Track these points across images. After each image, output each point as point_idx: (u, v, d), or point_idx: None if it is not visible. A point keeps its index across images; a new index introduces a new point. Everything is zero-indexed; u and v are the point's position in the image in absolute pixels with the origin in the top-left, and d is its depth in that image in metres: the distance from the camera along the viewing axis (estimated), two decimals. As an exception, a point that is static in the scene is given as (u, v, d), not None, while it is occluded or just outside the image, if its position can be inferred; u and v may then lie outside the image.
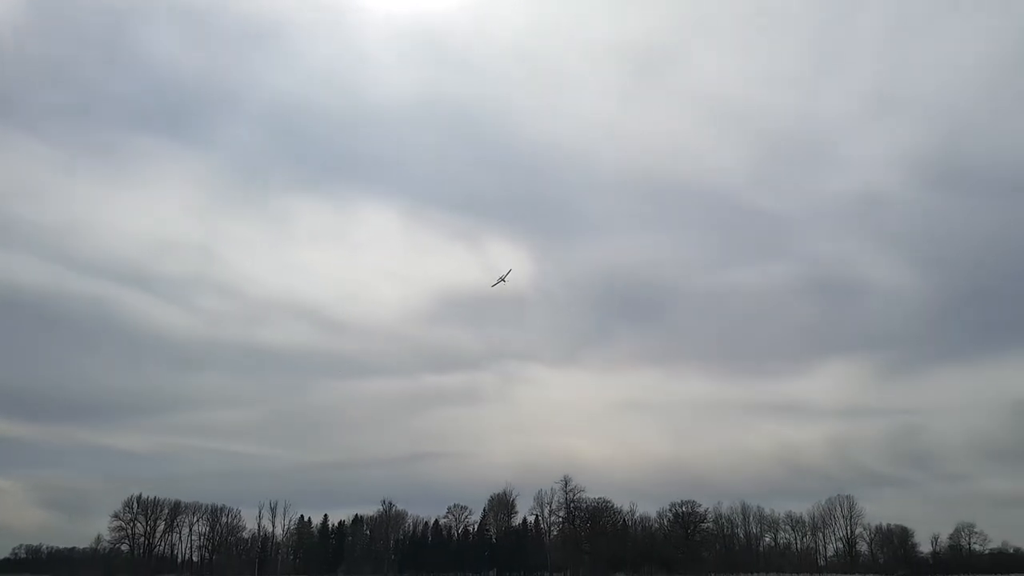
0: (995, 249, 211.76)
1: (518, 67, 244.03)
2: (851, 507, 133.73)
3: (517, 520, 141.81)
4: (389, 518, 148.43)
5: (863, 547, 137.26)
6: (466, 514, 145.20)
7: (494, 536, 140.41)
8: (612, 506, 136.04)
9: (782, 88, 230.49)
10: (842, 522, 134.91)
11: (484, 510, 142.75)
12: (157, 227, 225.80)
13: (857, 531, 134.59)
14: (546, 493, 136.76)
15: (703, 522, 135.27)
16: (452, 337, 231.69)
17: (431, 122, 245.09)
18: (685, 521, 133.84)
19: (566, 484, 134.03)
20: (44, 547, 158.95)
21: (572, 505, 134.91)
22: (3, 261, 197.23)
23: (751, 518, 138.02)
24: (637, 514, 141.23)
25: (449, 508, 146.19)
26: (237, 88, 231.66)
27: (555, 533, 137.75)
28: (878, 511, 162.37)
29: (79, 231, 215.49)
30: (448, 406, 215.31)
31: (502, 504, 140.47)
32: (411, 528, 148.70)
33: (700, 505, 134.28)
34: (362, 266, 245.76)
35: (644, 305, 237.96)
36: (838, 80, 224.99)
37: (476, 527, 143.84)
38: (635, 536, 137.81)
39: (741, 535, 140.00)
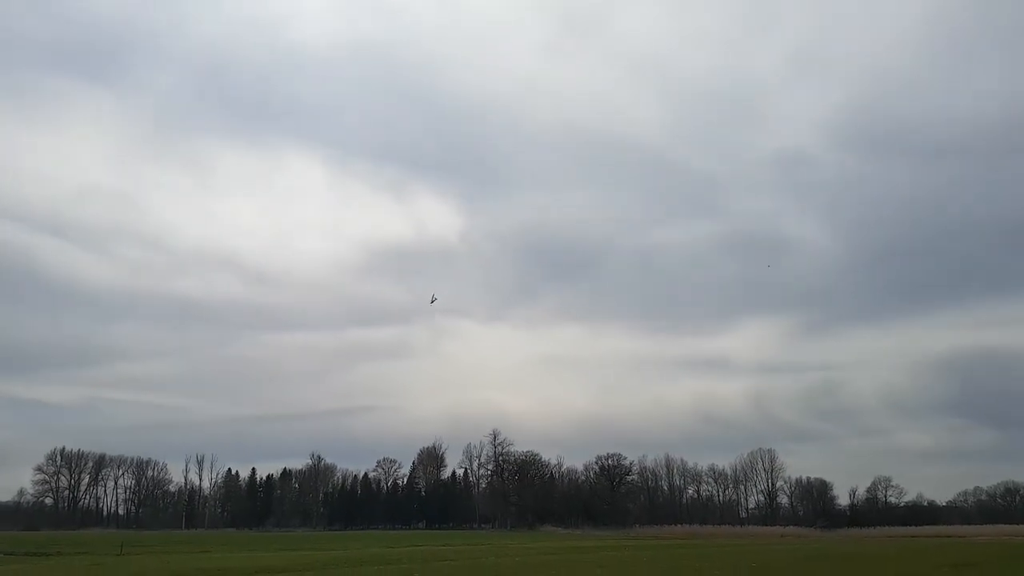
0: (912, 211, 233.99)
1: (443, 15, 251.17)
2: (772, 460, 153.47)
3: (446, 473, 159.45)
4: (318, 471, 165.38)
5: (783, 500, 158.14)
6: (395, 467, 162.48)
7: (423, 489, 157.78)
8: (540, 459, 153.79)
9: (710, 47, 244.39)
10: (763, 475, 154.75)
11: (413, 463, 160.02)
12: (76, 173, 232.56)
13: (778, 484, 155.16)
14: (475, 447, 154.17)
15: (628, 475, 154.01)
16: (380, 291, 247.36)
17: (357, 69, 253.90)
18: (611, 474, 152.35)
19: (495, 438, 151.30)
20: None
21: (500, 458, 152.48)
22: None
23: (675, 471, 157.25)
24: (564, 467, 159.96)
25: (378, 461, 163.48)
26: (159, 30, 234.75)
27: (484, 486, 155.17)
28: (798, 465, 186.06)
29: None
30: (377, 360, 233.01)
31: (431, 457, 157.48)
32: (340, 481, 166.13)
33: (625, 458, 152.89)
34: (288, 216, 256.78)
35: (570, 262, 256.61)
36: (765, 40, 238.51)
37: (405, 480, 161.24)
38: (562, 488, 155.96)
39: (665, 487, 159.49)
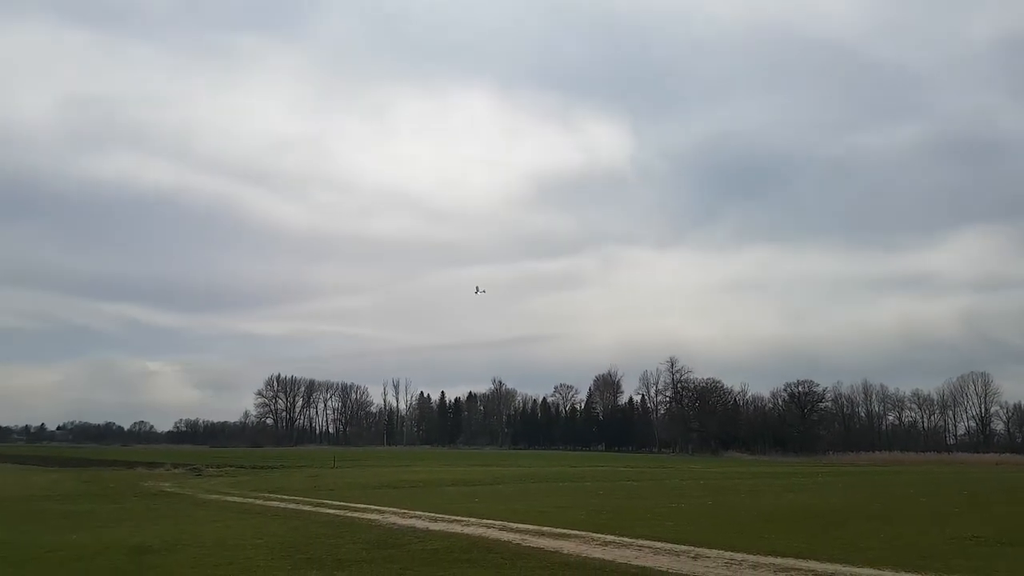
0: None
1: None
2: (986, 384, 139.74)
3: (623, 399, 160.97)
4: (500, 395, 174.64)
5: (999, 426, 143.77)
6: (572, 393, 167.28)
7: (601, 414, 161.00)
8: (722, 386, 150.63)
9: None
10: (975, 400, 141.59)
11: (590, 389, 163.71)
12: (270, 125, 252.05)
13: (992, 409, 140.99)
14: (652, 374, 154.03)
15: (821, 401, 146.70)
16: (550, 222, 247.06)
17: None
18: (801, 401, 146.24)
19: (672, 365, 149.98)
20: (200, 421, 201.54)
21: (679, 385, 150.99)
22: (136, 165, 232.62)
23: (873, 397, 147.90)
24: (749, 394, 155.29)
25: (556, 387, 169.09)
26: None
27: (662, 412, 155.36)
28: (1016, 389, 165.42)
29: (199, 133, 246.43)
30: (550, 291, 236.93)
31: (607, 384, 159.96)
32: (521, 405, 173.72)
33: (818, 385, 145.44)
34: (458, 154, 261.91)
35: (755, 178, 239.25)
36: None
37: (583, 405, 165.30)
38: (747, 415, 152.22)
39: (862, 414, 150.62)
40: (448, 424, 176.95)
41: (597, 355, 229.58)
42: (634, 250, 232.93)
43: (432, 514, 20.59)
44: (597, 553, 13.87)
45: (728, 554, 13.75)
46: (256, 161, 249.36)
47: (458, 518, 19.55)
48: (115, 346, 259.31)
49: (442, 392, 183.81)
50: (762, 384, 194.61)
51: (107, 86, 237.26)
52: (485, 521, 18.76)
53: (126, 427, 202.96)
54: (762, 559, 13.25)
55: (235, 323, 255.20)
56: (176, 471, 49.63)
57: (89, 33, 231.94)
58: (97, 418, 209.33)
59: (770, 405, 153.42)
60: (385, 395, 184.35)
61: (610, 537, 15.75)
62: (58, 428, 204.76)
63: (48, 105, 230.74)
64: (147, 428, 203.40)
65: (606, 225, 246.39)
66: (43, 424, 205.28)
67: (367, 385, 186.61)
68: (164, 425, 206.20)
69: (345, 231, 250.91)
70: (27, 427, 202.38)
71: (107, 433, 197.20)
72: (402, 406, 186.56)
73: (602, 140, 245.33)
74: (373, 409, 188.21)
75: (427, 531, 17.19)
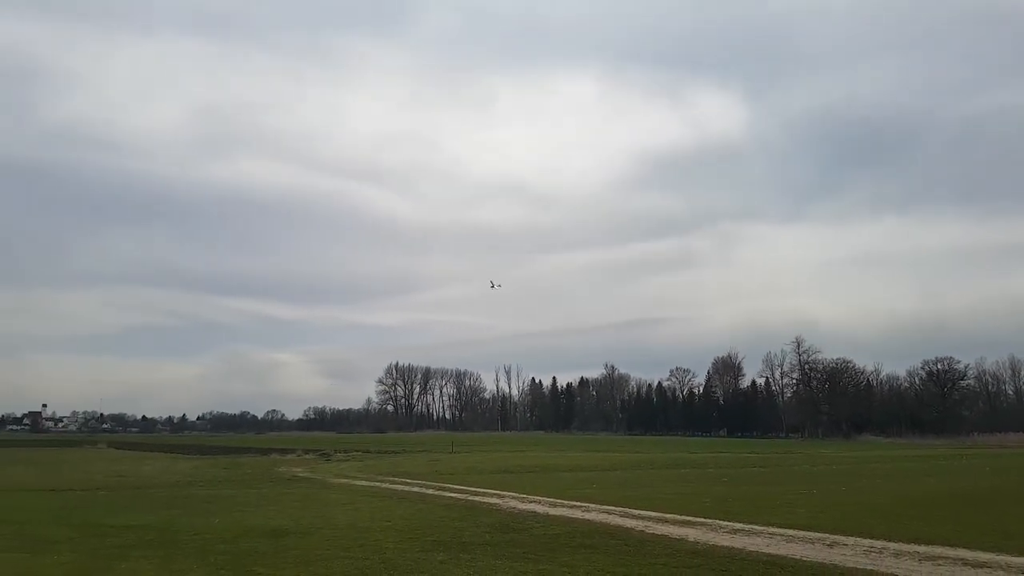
0: None
1: None
2: None
3: (744, 383, 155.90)
4: (613, 380, 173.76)
5: None
6: (689, 377, 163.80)
7: (721, 398, 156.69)
8: (852, 366, 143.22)
9: None
10: None
11: (708, 373, 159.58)
12: (379, 122, 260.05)
13: None
14: (775, 355, 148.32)
15: (962, 379, 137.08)
16: (659, 202, 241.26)
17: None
18: (940, 379, 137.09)
19: (798, 345, 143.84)
20: (327, 408, 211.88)
21: (806, 366, 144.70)
22: (257, 168, 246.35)
23: (1022, 373, 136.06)
24: (882, 374, 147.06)
25: (671, 371, 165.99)
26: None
27: (788, 395, 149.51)
28: None
29: (314, 134, 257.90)
30: (661, 273, 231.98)
31: (727, 367, 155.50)
32: (635, 390, 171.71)
33: (958, 361, 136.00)
34: (562, 138, 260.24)
35: (881, 144, 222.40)
36: None
37: (701, 389, 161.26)
38: (881, 396, 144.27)
39: (1010, 392, 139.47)
40: (560, 410, 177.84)
41: (715, 337, 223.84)
42: (752, 226, 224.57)
43: (551, 499, 20.74)
44: (725, 541, 13.52)
45: (867, 541, 13.07)
46: (367, 158, 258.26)
47: (577, 503, 19.59)
48: (247, 340, 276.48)
49: (553, 378, 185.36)
50: (896, 363, 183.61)
51: (228, 94, 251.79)
52: (605, 507, 18.69)
53: (259, 416, 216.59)
54: (904, 547, 12.51)
55: (354, 314, 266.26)
56: (307, 457, 52.43)
57: (210, 44, 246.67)
58: (232, 408, 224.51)
59: (906, 384, 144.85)
60: (497, 381, 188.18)
61: (738, 525, 15.31)
62: (198, 418, 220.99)
63: (176, 115, 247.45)
64: (279, 416, 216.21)
65: (720, 202, 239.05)
66: (184, 415, 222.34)
67: (480, 372, 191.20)
68: (294, 413, 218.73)
69: (452, 221, 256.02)
70: (170, 418, 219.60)
71: (242, 422, 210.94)
72: (514, 392, 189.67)
73: (713, 113, 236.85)
74: (486, 395, 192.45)
75: (547, 516, 17.31)
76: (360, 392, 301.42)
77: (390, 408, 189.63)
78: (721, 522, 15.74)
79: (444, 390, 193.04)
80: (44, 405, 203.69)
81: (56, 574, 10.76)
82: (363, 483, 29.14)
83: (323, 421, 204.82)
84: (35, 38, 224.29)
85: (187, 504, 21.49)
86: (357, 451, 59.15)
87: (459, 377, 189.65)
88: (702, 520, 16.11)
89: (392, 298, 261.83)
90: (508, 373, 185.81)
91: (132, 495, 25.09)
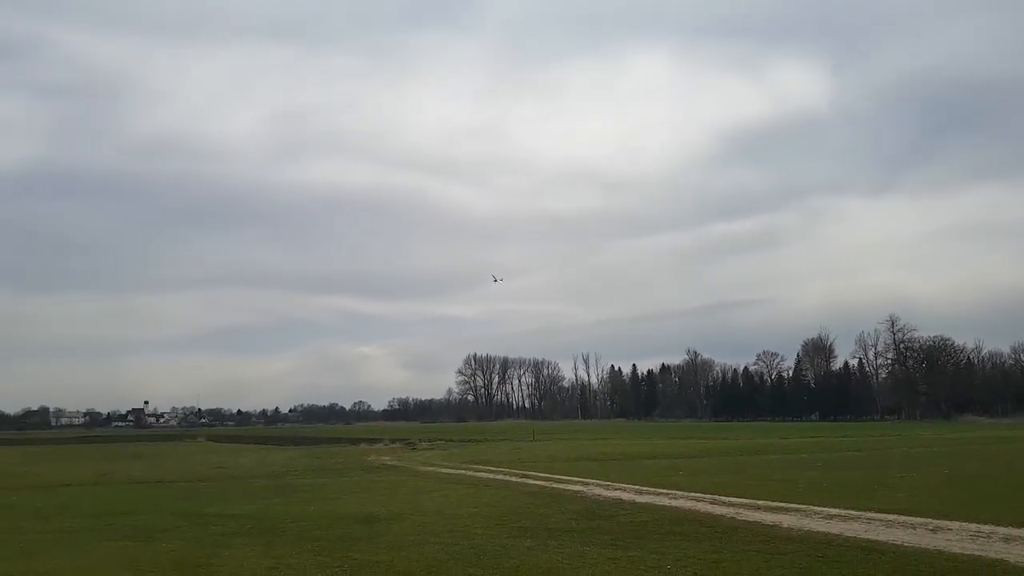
0: None
1: None
2: None
3: (836, 364, 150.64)
4: (696, 366, 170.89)
5: None
6: (777, 360, 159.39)
7: (812, 381, 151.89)
8: (952, 344, 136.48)
9: None
10: None
11: (797, 355, 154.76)
12: (451, 116, 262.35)
13: None
14: (869, 335, 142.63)
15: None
16: (740, 179, 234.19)
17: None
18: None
19: (892, 324, 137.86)
20: (410, 399, 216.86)
21: (902, 346, 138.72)
22: (336, 168, 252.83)
23: None
24: (984, 351, 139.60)
25: (758, 355, 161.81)
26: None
27: (883, 376, 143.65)
28: None
29: (388, 131, 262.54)
30: (744, 253, 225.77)
31: (817, 348, 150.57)
32: (720, 375, 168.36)
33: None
34: (636, 119, 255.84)
35: (978, 109, 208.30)
36: None
37: (791, 373, 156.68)
38: (984, 374, 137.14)
39: None
40: (642, 397, 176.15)
41: (803, 318, 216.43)
42: (840, 200, 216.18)
43: (636, 487, 20.64)
44: (820, 527, 13.18)
45: (973, 526, 12.51)
46: (440, 152, 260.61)
47: (663, 491, 19.44)
48: (332, 335, 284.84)
49: (633, 365, 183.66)
50: (1000, 339, 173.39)
51: (304, 97, 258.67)
52: (692, 494, 18.49)
53: (347, 407, 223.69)
54: (1014, 531, 11.92)
55: (432, 307, 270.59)
56: (393, 446, 53.84)
57: (285, 49, 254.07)
58: (321, 400, 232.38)
59: (1011, 361, 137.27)
60: (576, 370, 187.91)
61: (833, 510, 14.89)
62: (290, 411, 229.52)
63: (256, 121, 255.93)
64: (365, 407, 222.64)
65: (805, 176, 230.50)
66: (277, 408, 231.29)
67: (558, 360, 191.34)
68: (379, 404, 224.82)
69: (525, 211, 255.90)
70: (264, 411, 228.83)
71: (331, 413, 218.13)
72: (593, 380, 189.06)
73: (795, 85, 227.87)
74: (565, 384, 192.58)
75: (633, 503, 17.26)
76: (440, 383, 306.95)
77: (470, 398, 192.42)
78: (815, 508, 15.34)
79: (522, 379, 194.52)
80: (146, 402, 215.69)
81: (165, 560, 11.44)
82: (448, 471, 29.73)
83: (407, 411, 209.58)
84: (122, 54, 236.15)
85: (284, 493, 22.43)
86: (441, 440, 60.33)
87: (537, 366, 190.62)
88: (795, 506, 15.74)
89: (468, 290, 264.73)
90: (587, 361, 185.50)
91: (231, 485, 26.36)
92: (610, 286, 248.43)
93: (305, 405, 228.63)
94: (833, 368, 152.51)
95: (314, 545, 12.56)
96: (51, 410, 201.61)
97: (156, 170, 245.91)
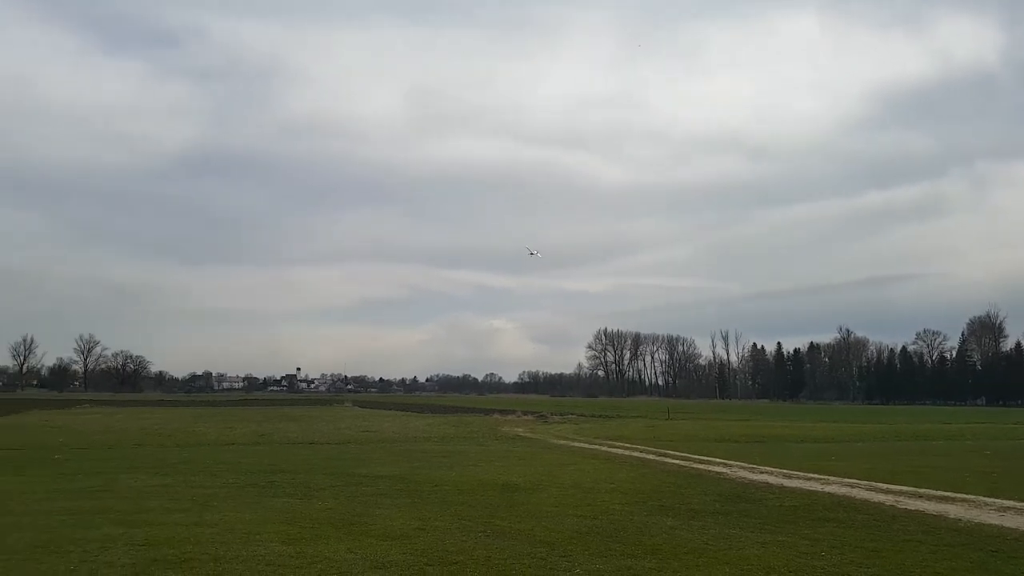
0: None
1: None
2: None
3: (1007, 345, 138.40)
4: (848, 345, 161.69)
5: None
6: (939, 340, 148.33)
7: (978, 363, 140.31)
8: None
9: None
10: None
11: (963, 335, 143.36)
12: (583, 86, 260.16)
13: None
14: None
15: None
16: (898, 143, 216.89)
17: None
18: None
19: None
20: (540, 372, 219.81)
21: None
22: (469, 144, 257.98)
23: None
24: None
25: (918, 334, 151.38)
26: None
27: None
28: None
29: (520, 105, 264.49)
30: (904, 223, 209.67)
31: (985, 328, 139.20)
32: (874, 355, 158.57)
33: None
34: (780, 81, 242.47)
35: None
36: None
37: (954, 354, 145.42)
38: None
39: None
40: (787, 377, 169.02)
41: (969, 294, 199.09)
42: (1012, 166, 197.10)
43: (784, 470, 19.90)
44: (992, 519, 12.21)
45: None
46: (571, 123, 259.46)
47: (815, 475, 18.63)
48: (466, 307, 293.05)
49: (778, 343, 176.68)
50: None
51: (438, 74, 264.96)
52: (847, 480, 17.62)
53: (479, 378, 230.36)
54: None
55: (562, 282, 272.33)
56: (525, 418, 54.82)
57: (418, 28, 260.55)
58: (455, 370, 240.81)
59: None
60: (714, 347, 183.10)
61: (1008, 502, 13.74)
62: (427, 380, 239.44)
63: (394, 100, 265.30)
64: (496, 379, 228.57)
65: (973, 140, 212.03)
66: (415, 377, 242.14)
67: (694, 337, 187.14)
68: (510, 376, 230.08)
69: (661, 181, 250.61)
70: (403, 380, 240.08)
71: (464, 384, 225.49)
72: (733, 358, 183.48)
73: (963, 40, 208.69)
74: (702, 361, 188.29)
75: (782, 487, 16.66)
76: (570, 357, 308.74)
77: (600, 373, 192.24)
78: (985, 499, 14.23)
79: (656, 356, 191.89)
80: (298, 368, 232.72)
81: (324, 517, 12.27)
82: (582, 445, 29.92)
83: (537, 385, 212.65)
84: (269, 38, 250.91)
85: (425, 458, 23.43)
86: (572, 414, 60.73)
87: (671, 343, 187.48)
88: (963, 496, 14.65)
89: (599, 264, 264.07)
90: (726, 338, 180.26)
91: (377, 448, 27.84)
92: (753, 259, 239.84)
93: (440, 375, 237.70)
94: (1003, 349, 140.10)
95: (456, 510, 13.06)
96: (214, 375, 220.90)
97: (304, 148, 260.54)
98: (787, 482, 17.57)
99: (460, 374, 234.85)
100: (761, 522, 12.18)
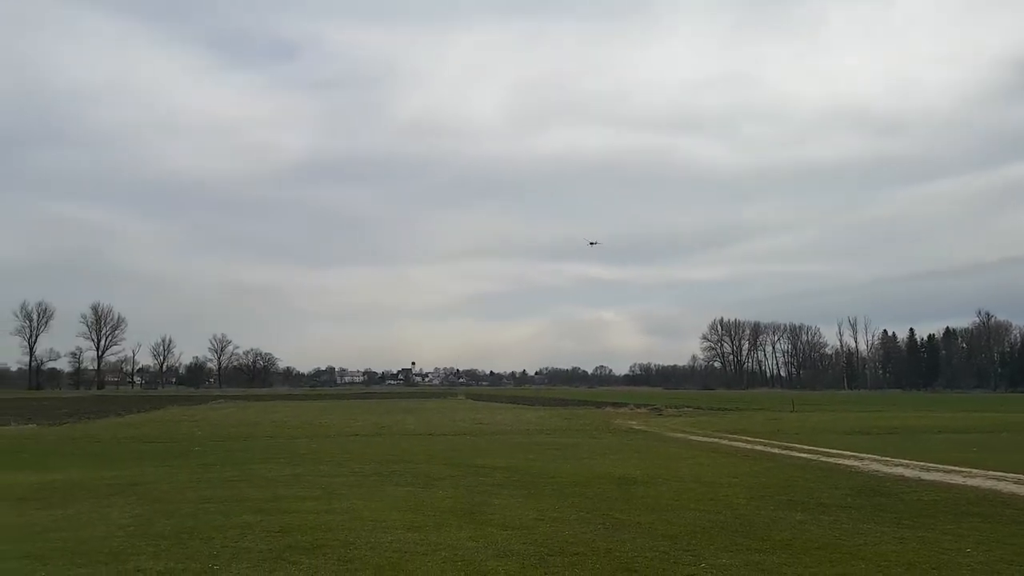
0: None
1: None
2: None
3: None
4: (988, 330, 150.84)
5: None
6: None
7: None
8: None
9: None
10: None
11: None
12: (694, 68, 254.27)
13: None
14: None
15: None
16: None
17: None
18: None
19: None
20: (652, 364, 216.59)
21: None
22: (575, 135, 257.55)
23: None
24: None
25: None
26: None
27: None
28: None
29: (625, 92, 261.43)
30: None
31: None
32: (1018, 340, 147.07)
33: None
34: (908, 53, 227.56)
35: None
36: None
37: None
38: None
39: None
40: (921, 365, 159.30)
41: None
42: None
43: (921, 463, 18.80)
44: None
45: None
46: (682, 107, 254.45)
47: (955, 468, 17.50)
48: (573, 300, 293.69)
49: (910, 329, 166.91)
50: None
51: (541, 68, 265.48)
52: (993, 473, 16.45)
53: (589, 371, 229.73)
54: None
55: (672, 271, 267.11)
56: (639, 411, 54.22)
57: (519, 24, 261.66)
58: (564, 363, 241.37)
59: None
60: (840, 335, 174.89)
61: None
62: (536, 373, 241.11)
63: (499, 97, 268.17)
64: (606, 372, 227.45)
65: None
66: (524, 370, 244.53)
67: (818, 325, 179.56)
68: (620, 369, 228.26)
69: (779, 162, 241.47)
70: (513, 373, 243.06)
71: (574, 376, 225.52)
72: (861, 346, 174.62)
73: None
74: (828, 351, 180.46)
75: (919, 481, 15.74)
76: (683, 348, 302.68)
77: (717, 365, 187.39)
78: None
79: (777, 346, 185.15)
80: (413, 363, 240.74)
81: (445, 506, 12.59)
82: (700, 438, 29.28)
83: (648, 377, 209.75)
84: (380, 45, 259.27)
85: (539, 450, 23.60)
86: (687, 407, 59.52)
87: (794, 332, 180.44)
88: None
89: (713, 251, 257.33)
90: (853, 326, 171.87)
91: (491, 440, 28.30)
92: (881, 241, 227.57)
93: (550, 368, 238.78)
94: None
95: (573, 501, 13.07)
96: (336, 369, 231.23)
97: (414, 150, 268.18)
98: (925, 475, 16.60)
99: (569, 367, 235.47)
100: (898, 517, 11.57)
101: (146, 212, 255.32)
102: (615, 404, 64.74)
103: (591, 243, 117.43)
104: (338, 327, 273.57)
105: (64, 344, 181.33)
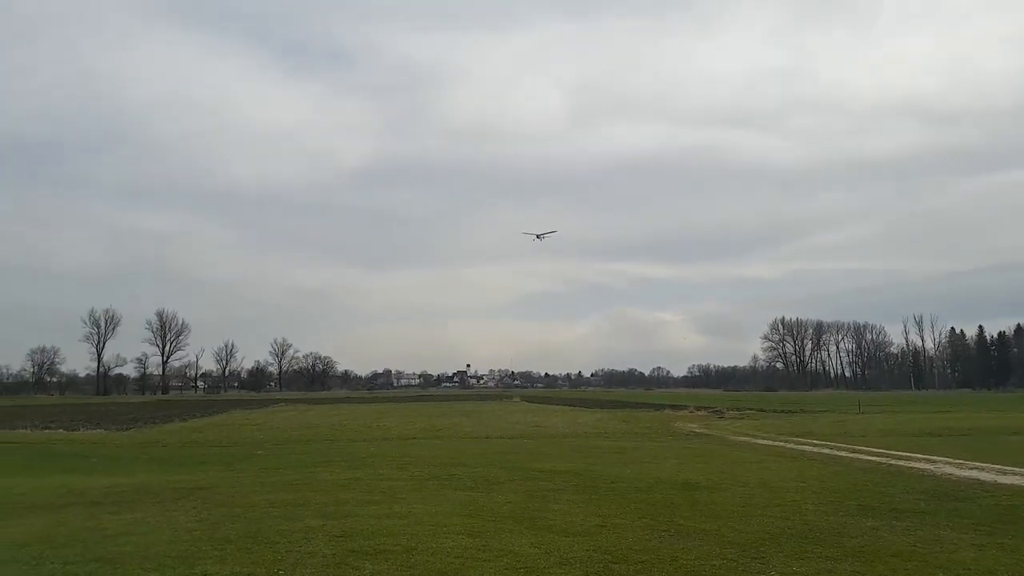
0: None
1: None
2: None
3: None
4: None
5: None
6: None
7: None
8: None
9: None
10: None
11: None
12: (747, 61, 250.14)
13: None
14: None
15: None
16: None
17: None
18: None
19: None
20: (711, 365, 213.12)
21: None
22: (628, 132, 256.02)
23: None
24: None
25: None
26: None
27: None
28: None
29: (678, 87, 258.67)
30: None
31: None
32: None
33: None
34: (970, 40, 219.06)
35: None
36: None
37: None
38: None
39: None
40: (991, 364, 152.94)
41: None
42: None
43: (997, 466, 18.04)
44: None
45: None
46: (734, 101, 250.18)
47: (1036, 472, 16.71)
48: (629, 300, 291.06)
49: (979, 326, 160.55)
50: None
51: (594, 65, 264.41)
52: (1078, 477, 15.65)
53: (646, 372, 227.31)
54: None
55: (729, 269, 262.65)
56: (699, 413, 53.32)
57: (572, 22, 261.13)
58: (620, 365, 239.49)
59: None
60: (906, 333, 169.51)
61: None
62: (592, 374, 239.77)
63: (553, 96, 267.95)
64: (664, 373, 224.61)
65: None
66: (580, 371, 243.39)
67: (883, 324, 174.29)
68: (678, 370, 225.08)
69: (837, 155, 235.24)
70: (568, 374, 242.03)
71: (630, 378, 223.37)
72: (928, 345, 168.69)
73: None
74: (893, 350, 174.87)
75: (996, 484, 15.09)
76: (743, 349, 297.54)
77: (779, 365, 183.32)
78: None
79: (841, 345, 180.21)
80: (468, 365, 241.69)
81: (505, 511, 12.54)
82: (765, 442, 28.63)
83: (707, 378, 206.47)
84: (434, 48, 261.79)
85: (598, 454, 23.40)
86: (750, 409, 58.30)
87: (858, 331, 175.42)
88: None
89: (771, 248, 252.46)
90: (920, 324, 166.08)
91: (549, 443, 28.20)
92: (948, 235, 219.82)
93: (606, 369, 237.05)
94: None
95: (636, 507, 12.86)
96: (392, 372, 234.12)
97: (469, 152, 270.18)
98: (1002, 479, 15.90)
99: (625, 368, 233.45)
100: (975, 523, 11.09)
101: (209, 219, 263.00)
102: (674, 406, 63.83)
103: (537, 236, 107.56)
104: (395, 329, 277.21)
105: (130, 350, 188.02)
